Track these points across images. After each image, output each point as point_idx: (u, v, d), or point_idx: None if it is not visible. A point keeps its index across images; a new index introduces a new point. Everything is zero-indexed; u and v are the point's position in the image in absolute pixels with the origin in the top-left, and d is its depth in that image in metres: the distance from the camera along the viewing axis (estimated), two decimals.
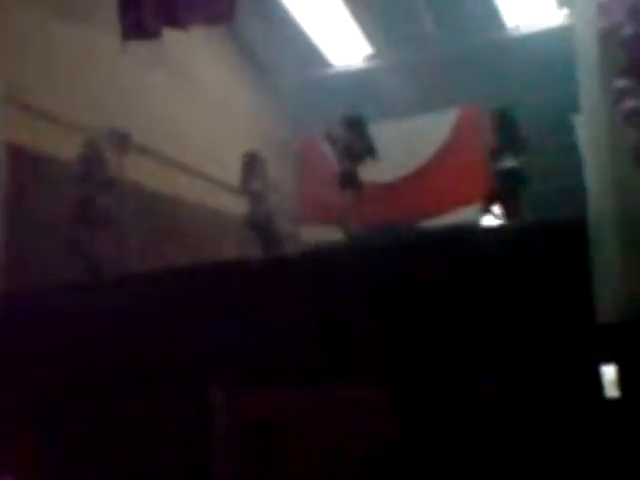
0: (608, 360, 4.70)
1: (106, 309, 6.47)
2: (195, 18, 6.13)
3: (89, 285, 6.94)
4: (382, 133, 10.19)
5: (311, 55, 13.39)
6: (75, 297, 6.71)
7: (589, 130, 5.06)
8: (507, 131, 8.03)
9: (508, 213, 8.19)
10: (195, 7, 6.03)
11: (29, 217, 8.09)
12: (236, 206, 10.93)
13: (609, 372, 4.75)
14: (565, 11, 10.32)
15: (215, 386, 6.11)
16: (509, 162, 8.01)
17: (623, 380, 4.68)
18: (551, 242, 5.32)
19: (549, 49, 10.54)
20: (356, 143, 8.76)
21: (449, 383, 5.35)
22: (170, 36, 6.59)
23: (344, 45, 13.25)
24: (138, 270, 7.85)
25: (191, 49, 11.05)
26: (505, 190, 8.18)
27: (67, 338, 6.55)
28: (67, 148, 8.52)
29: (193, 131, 11.32)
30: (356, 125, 8.87)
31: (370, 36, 13.02)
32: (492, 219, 9.24)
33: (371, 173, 9.75)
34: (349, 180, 8.76)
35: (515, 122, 8.06)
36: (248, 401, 5.99)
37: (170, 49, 9.84)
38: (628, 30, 4.90)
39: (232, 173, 10.90)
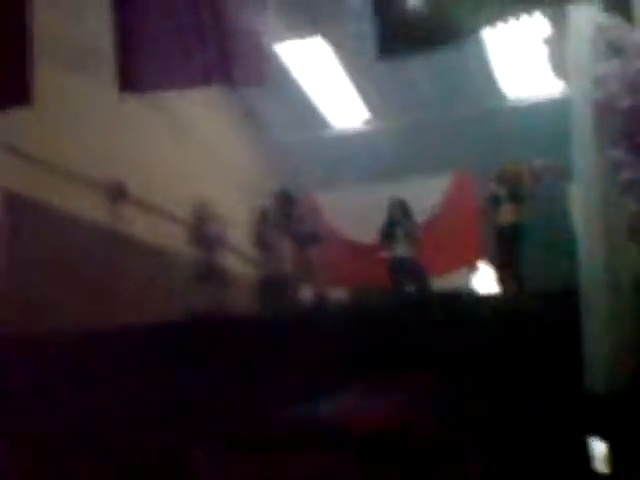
0: (598, 433, 4.61)
1: (88, 362, 6.33)
2: (215, 78, 5.95)
3: (71, 336, 6.75)
4: (376, 194, 10.32)
5: (311, 116, 13.45)
6: (57, 348, 6.50)
7: (581, 199, 5.05)
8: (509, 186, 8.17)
9: (502, 275, 8.24)
10: (225, 67, 5.86)
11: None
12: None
13: (600, 448, 4.65)
14: (561, 83, 10.91)
15: (199, 448, 5.97)
16: (508, 216, 8.07)
17: (614, 455, 4.58)
18: (542, 311, 5.29)
19: (546, 120, 10.49)
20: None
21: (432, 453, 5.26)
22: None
23: (343, 108, 13.33)
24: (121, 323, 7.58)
25: (191, 101, 10.80)
26: (502, 246, 8.17)
27: (43, 391, 6.32)
28: (67, 197, 8.62)
29: (189, 183, 11.10)
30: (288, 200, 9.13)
31: (368, 100, 13.11)
32: (482, 283, 9.33)
33: (363, 233, 9.98)
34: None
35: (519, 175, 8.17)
36: (232, 464, 5.87)
37: (170, 100, 9.78)
38: (624, 103, 4.93)
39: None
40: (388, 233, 8.86)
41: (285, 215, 9.12)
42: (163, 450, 5.87)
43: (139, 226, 10.07)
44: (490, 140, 12.09)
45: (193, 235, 9.06)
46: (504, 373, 5.27)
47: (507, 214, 8.12)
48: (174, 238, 10.47)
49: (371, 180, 11.69)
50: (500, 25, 4.77)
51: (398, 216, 8.88)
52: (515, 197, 8.16)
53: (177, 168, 11.13)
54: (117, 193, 9.65)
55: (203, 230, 9.03)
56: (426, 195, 10.90)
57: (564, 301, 4.99)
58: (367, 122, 13.60)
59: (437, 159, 12.06)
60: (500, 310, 5.67)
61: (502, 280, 8.28)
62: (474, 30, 5.00)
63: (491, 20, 4.80)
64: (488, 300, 7.20)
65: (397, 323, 5.79)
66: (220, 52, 5.80)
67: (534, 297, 5.69)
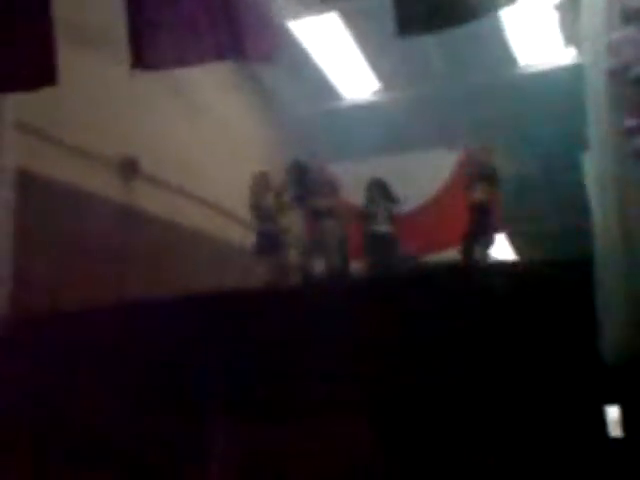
0: (612, 400, 4.65)
1: (103, 336, 6.38)
2: (226, 54, 6.01)
3: (86, 313, 6.84)
4: (383, 167, 10.38)
5: (322, 88, 13.43)
6: (71, 325, 6.59)
7: (597, 167, 5.06)
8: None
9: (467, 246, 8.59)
10: (236, 43, 5.88)
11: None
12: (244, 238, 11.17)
13: (613, 412, 4.71)
14: (572, 50, 10.87)
15: (214, 416, 6.06)
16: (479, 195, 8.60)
17: (626, 420, 4.63)
18: (555, 281, 5.29)
19: (559, 87, 10.50)
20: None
21: (444, 418, 5.32)
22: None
23: (354, 79, 13.29)
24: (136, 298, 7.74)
25: (205, 78, 11.13)
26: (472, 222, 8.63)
27: (62, 365, 6.42)
28: (79, 175, 8.75)
29: (203, 160, 11.37)
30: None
31: (378, 71, 13.06)
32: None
33: None
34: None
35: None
36: (246, 433, 5.96)
37: (185, 77, 9.98)
38: (638, 69, 4.93)
39: (239, 203, 11.23)
40: (367, 213, 9.09)
41: (300, 186, 9.15)
42: (181, 419, 6.04)
43: (154, 203, 10.15)
44: (504, 109, 12.25)
45: (252, 205, 8.99)
46: (517, 344, 5.31)
47: (478, 193, 8.66)
48: (190, 216, 10.82)
49: (383, 152, 11.73)
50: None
51: (377, 196, 9.06)
52: (484, 177, 8.71)
53: (192, 146, 11.19)
54: (130, 170, 9.73)
55: (261, 201, 8.97)
56: (437, 169, 10.92)
57: (578, 270, 4.99)
58: (378, 92, 13.51)
59: (448, 130, 12.21)
60: (511, 280, 5.68)
61: (465, 251, 8.67)
62: (493, 8, 4.99)
63: None
64: (498, 269, 7.20)
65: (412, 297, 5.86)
66: (231, 28, 5.82)
67: (546, 267, 5.66)
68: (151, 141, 10.16)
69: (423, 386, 5.46)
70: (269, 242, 8.72)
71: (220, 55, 6.01)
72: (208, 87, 11.74)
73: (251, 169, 11.99)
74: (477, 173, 8.80)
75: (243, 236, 11.22)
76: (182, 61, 6.03)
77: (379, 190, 9.11)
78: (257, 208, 8.94)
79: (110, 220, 9.25)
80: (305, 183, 9.18)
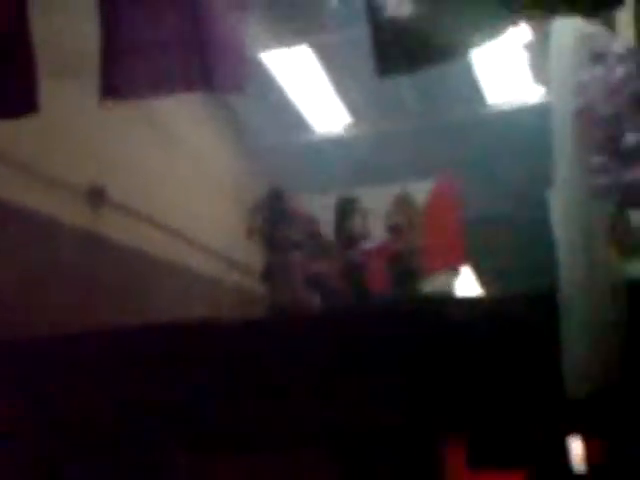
0: (574, 432, 4.68)
1: (69, 363, 6.36)
2: (197, 85, 5.96)
3: (49, 339, 6.77)
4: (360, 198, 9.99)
5: (293, 120, 13.53)
6: (35, 350, 6.57)
7: (561, 204, 5.15)
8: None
9: None
10: (206, 75, 5.87)
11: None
12: (209, 268, 11.48)
13: (576, 447, 4.73)
14: (542, 89, 10.63)
15: (178, 450, 6.03)
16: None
17: (589, 456, 4.65)
18: (520, 316, 5.35)
19: (527, 126, 10.66)
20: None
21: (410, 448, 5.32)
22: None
23: (325, 112, 13.43)
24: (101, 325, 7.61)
25: (174, 106, 10.90)
26: None
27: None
28: (47, 203, 8.61)
29: (172, 189, 11.35)
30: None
31: (350, 105, 13.22)
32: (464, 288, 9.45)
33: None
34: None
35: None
36: (211, 467, 5.94)
37: (159, 107, 9.88)
38: (605, 109, 5.04)
39: (206, 232, 11.45)
40: (338, 235, 8.89)
41: (278, 213, 8.92)
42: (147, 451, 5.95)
43: (121, 232, 10.07)
44: (473, 146, 12.48)
45: (335, 229, 8.86)
46: (482, 375, 5.36)
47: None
48: (159, 245, 10.76)
49: (354, 184, 11.76)
50: (496, 39, 4.86)
51: (346, 216, 8.88)
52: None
53: (163, 176, 11.21)
54: (97, 198, 9.60)
55: (345, 225, 8.81)
56: None
57: (543, 305, 5.05)
58: (349, 127, 13.69)
59: (420, 164, 12.32)
60: (478, 312, 5.71)
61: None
62: (470, 47, 5.06)
63: (488, 35, 4.87)
64: (465, 302, 7.24)
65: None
66: (202, 59, 5.85)
67: (512, 299, 5.72)
68: (121, 170, 10.10)
69: (387, 422, 5.48)
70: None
71: (191, 86, 6.01)
72: (181, 117, 11.71)
73: (222, 199, 12.34)
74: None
75: (213, 267, 11.66)
76: (151, 91, 5.99)
77: (347, 209, 8.88)
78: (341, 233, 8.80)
79: (75, 248, 9.14)
80: (283, 210, 8.97)
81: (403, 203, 8.90)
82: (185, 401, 5.94)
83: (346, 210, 8.85)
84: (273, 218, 8.86)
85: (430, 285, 9.75)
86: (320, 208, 10.31)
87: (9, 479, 5.91)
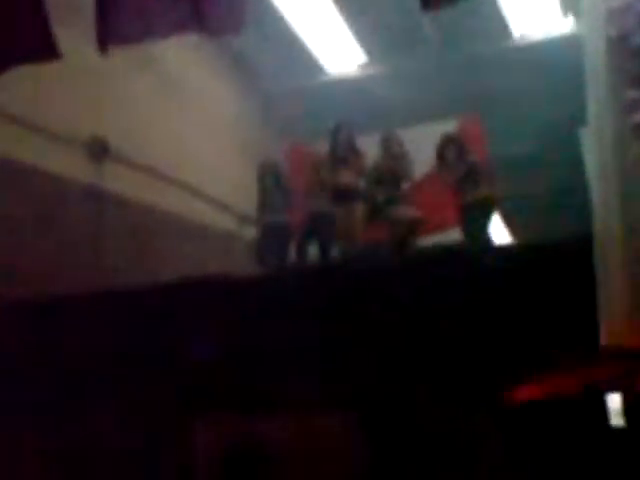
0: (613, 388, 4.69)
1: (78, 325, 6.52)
2: (191, 27, 6.04)
3: (66, 299, 6.88)
4: (370, 144, 10.07)
5: (305, 62, 13.37)
6: (53, 313, 6.71)
7: (595, 143, 5.09)
8: None
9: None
10: (201, 17, 5.95)
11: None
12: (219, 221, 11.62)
13: (615, 400, 4.75)
14: (571, 19, 10.92)
15: (197, 411, 6.14)
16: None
17: (628, 408, 4.67)
18: (554, 262, 5.36)
19: (556, 59, 10.71)
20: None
21: (442, 405, 5.36)
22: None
23: (339, 52, 13.25)
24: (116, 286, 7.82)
25: (179, 53, 11.13)
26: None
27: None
28: (49, 157, 8.74)
29: (177, 140, 11.37)
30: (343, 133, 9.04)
31: (365, 43, 13.02)
32: None
33: None
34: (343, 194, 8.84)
35: None
36: (229, 426, 6.06)
37: (158, 51, 9.98)
38: (638, 39, 4.93)
39: (214, 184, 11.42)
40: (262, 202, 9.03)
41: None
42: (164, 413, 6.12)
43: (126, 185, 10.10)
44: (499, 82, 12.14)
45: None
46: (516, 328, 5.35)
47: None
48: (163, 196, 10.78)
49: (370, 129, 11.58)
50: None
51: (269, 183, 9.02)
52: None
53: (164, 124, 11.17)
54: (99, 150, 9.64)
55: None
56: (430, 144, 10.83)
57: (577, 252, 5.03)
58: (364, 66, 13.46)
59: (442, 104, 12.10)
60: (509, 261, 5.70)
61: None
62: None
63: None
64: (495, 251, 7.22)
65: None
66: (195, 1, 5.91)
67: (545, 248, 5.69)
68: (125, 121, 10.11)
69: (414, 384, 5.56)
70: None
71: (185, 27, 6.06)
72: (188, 64, 11.69)
73: (228, 148, 12.33)
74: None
75: (223, 221, 11.75)
76: (146, 35, 6.04)
77: (273, 177, 9.02)
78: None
79: (79, 204, 9.23)
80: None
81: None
82: (208, 362, 6.06)
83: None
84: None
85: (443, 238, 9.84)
86: None
87: None
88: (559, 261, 5.30)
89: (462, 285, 5.53)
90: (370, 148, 9.77)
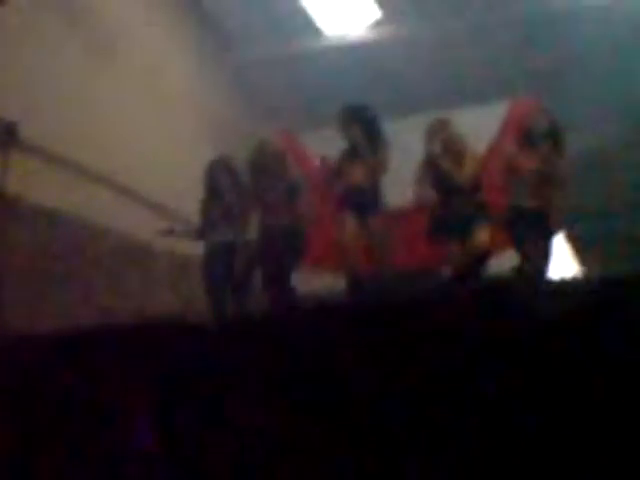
0: None
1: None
2: None
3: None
4: (397, 134, 9.52)
5: (296, 22, 12.83)
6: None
7: None
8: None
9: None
10: None
11: None
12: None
13: None
14: None
15: None
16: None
17: None
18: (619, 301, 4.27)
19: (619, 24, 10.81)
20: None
21: None
22: None
23: (340, 9, 12.54)
24: None
25: (123, 8, 10.87)
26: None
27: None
28: None
29: (116, 125, 10.67)
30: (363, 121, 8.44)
31: None
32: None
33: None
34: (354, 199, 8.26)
35: None
36: None
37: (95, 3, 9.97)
38: None
39: (165, 186, 11.02)
40: (205, 211, 8.64)
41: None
42: None
43: (40, 187, 9.33)
44: (561, 52, 11.89)
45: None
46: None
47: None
48: (90, 203, 9.96)
49: (385, 114, 10.39)
50: None
51: (220, 187, 8.60)
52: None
53: (103, 106, 10.51)
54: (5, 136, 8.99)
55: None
56: (472, 135, 9.59)
57: None
58: (377, 25, 12.75)
59: (474, 81, 12.00)
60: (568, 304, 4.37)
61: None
62: None
63: None
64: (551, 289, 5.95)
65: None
66: None
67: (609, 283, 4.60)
68: (44, 100, 9.44)
69: None
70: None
71: None
72: (135, 25, 11.19)
73: (189, 133, 11.98)
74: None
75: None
76: None
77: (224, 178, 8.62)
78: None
79: None
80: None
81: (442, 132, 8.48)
82: None
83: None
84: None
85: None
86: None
87: None
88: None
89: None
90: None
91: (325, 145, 9.53)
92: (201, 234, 8.70)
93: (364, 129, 8.41)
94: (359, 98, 9.62)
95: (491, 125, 10.14)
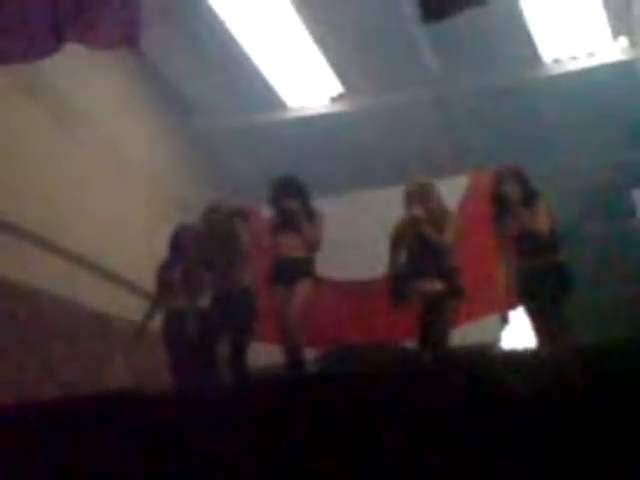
0: None
1: None
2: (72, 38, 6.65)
3: None
4: (354, 208, 9.82)
5: (257, 93, 12.81)
6: None
7: None
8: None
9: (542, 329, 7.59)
10: (83, 25, 6.69)
11: None
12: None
13: None
14: (623, 42, 11.11)
15: None
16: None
17: None
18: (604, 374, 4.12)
19: (602, 90, 10.91)
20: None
21: None
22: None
23: (304, 81, 12.63)
24: None
25: (80, 80, 10.76)
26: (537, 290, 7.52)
27: None
28: None
29: (71, 196, 10.58)
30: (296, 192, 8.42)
31: (340, 70, 12.35)
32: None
33: (339, 267, 9.55)
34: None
35: None
36: None
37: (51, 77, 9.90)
38: None
39: (118, 255, 10.95)
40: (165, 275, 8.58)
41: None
42: None
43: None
44: (525, 119, 11.98)
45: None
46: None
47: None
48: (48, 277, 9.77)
49: (343, 185, 11.08)
50: None
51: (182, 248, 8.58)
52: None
53: (60, 176, 10.43)
54: None
55: None
56: None
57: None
58: (339, 99, 12.82)
59: (442, 153, 12.06)
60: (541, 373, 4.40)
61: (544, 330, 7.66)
62: None
63: None
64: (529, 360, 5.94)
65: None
66: (76, 8, 6.69)
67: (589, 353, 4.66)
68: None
69: None
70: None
71: (60, 39, 6.66)
72: (96, 97, 11.14)
73: (143, 202, 11.98)
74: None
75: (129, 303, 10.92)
76: (20, 54, 6.73)
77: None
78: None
79: None
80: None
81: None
82: None
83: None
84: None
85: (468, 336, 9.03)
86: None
87: None
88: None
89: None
90: (339, 211, 9.55)
91: None
92: (159, 297, 8.64)
93: (298, 201, 8.37)
94: (319, 169, 10.22)
95: (453, 195, 10.01)
